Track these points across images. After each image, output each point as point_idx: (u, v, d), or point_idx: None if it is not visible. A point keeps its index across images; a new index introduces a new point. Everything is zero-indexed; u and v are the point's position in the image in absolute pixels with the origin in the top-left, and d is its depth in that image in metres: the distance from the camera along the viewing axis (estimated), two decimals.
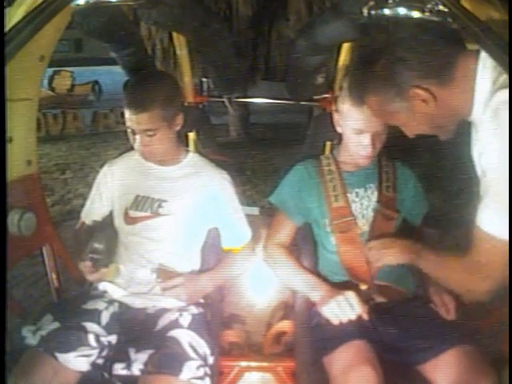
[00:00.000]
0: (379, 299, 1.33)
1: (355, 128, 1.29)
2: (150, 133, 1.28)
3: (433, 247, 1.14)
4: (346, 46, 1.83)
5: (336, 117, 1.37)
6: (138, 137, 1.30)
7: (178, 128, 1.37)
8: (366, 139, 1.29)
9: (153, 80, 1.34)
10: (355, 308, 1.20)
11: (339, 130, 1.38)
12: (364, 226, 1.37)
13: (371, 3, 1.19)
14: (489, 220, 0.87)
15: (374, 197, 1.39)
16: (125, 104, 1.29)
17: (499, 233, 0.86)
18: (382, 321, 1.26)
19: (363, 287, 1.30)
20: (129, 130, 1.31)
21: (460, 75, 0.90)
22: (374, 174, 1.42)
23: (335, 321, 1.21)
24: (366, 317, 1.20)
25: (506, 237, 0.82)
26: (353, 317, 1.19)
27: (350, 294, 1.22)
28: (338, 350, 1.17)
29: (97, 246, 1.24)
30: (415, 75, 0.91)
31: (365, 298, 1.27)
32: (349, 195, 1.39)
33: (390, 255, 1.24)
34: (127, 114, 1.29)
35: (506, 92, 0.80)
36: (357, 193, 1.40)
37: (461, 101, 0.90)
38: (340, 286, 1.34)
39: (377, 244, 1.27)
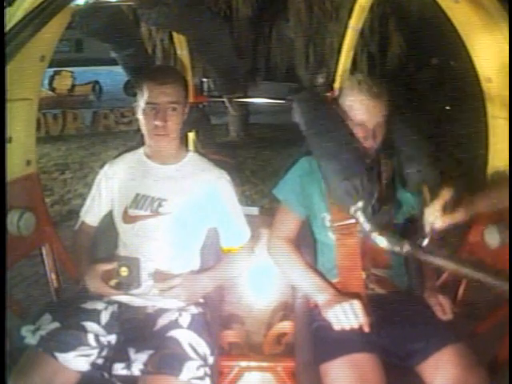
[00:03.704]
0: (379, 290, 1.33)
1: (357, 119, 1.31)
2: (173, 105, 1.32)
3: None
4: (346, 48, 1.84)
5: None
6: (157, 114, 1.31)
7: (185, 116, 1.40)
8: (366, 130, 1.31)
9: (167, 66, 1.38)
10: (359, 317, 1.18)
11: None
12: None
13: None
14: None
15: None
16: (147, 80, 1.33)
17: None
18: (381, 320, 1.26)
19: (363, 276, 1.31)
20: (146, 111, 1.32)
21: None
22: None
23: (337, 326, 1.19)
24: (367, 329, 1.18)
25: None
26: (355, 325, 1.18)
27: (356, 302, 1.20)
28: (336, 362, 1.16)
29: (125, 274, 1.26)
30: None
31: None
32: None
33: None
34: (148, 89, 1.32)
35: None
36: None
37: None
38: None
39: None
